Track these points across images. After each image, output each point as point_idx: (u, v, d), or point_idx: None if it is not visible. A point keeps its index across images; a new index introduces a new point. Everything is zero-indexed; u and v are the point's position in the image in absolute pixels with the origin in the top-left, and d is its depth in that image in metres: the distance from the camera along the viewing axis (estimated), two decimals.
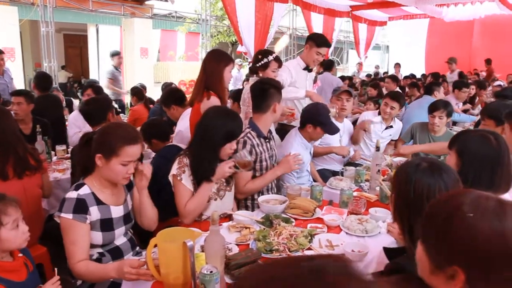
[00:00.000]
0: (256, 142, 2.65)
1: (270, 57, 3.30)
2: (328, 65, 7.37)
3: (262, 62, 3.29)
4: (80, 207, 1.78)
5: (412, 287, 1.00)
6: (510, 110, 2.33)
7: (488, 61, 11.90)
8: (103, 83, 6.57)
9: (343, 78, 8.47)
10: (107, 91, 6.03)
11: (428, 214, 0.96)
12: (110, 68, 7.07)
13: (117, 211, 1.91)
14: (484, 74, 11.56)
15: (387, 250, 1.44)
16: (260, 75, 3.33)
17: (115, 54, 7.16)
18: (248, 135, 2.65)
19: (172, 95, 3.82)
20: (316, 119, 2.93)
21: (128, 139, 1.79)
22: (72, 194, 1.80)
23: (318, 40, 3.66)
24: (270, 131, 2.84)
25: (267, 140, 2.73)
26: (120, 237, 1.97)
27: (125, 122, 2.02)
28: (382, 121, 3.93)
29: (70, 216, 1.75)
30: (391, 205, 1.41)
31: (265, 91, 2.66)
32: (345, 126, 3.77)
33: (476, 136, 1.80)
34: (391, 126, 3.99)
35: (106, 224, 1.86)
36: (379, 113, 3.99)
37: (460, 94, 6.05)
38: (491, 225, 0.84)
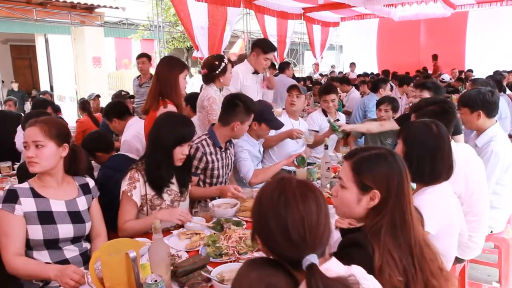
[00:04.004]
0: (209, 151, 2.65)
1: (226, 60, 3.28)
2: (282, 67, 7.42)
3: (221, 67, 3.24)
4: (9, 197, 1.79)
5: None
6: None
7: (434, 57, 12.44)
8: None
9: (298, 79, 8.60)
10: None
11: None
12: None
13: (58, 205, 1.89)
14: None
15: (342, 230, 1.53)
16: (221, 80, 3.29)
17: None
18: (203, 142, 2.65)
19: (113, 108, 3.77)
20: (259, 116, 2.94)
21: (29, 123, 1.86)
22: (6, 187, 1.84)
23: (264, 47, 3.71)
24: (230, 141, 2.84)
25: (222, 150, 2.73)
26: (70, 248, 1.92)
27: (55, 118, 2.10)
28: (328, 117, 3.94)
29: None
30: (363, 205, 1.38)
31: (233, 107, 2.65)
32: (300, 124, 3.80)
33: (419, 124, 1.92)
34: (338, 120, 4.02)
35: (46, 217, 1.84)
36: (323, 111, 4.05)
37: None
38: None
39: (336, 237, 1.85)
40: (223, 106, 2.74)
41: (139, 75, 5.99)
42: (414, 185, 1.93)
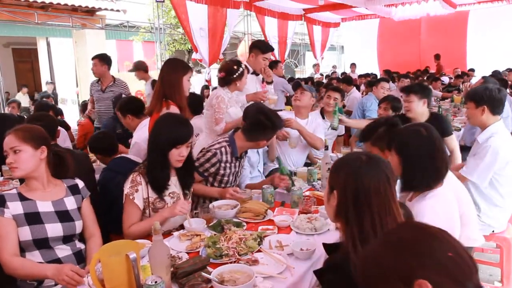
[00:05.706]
0: (226, 159, 2.68)
1: (243, 66, 3.36)
2: (270, 67, 7.28)
3: (239, 72, 3.29)
4: None
5: None
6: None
7: (437, 56, 12.38)
8: None
9: (299, 80, 8.60)
10: None
11: None
12: None
13: (45, 206, 1.93)
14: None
15: (326, 246, 1.47)
16: (237, 84, 3.33)
17: None
18: (222, 149, 2.68)
19: (129, 104, 3.65)
20: None
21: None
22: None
23: (262, 47, 3.81)
24: (246, 151, 2.88)
25: (237, 160, 2.77)
26: (62, 247, 1.95)
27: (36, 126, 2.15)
28: (326, 120, 3.96)
29: None
30: (331, 204, 1.38)
31: (262, 127, 2.66)
32: (308, 123, 3.70)
33: (408, 130, 1.90)
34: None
35: (33, 218, 1.88)
36: (321, 112, 4.05)
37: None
38: None
39: (318, 253, 1.85)
40: (250, 120, 2.71)
41: (99, 79, 5.31)
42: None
